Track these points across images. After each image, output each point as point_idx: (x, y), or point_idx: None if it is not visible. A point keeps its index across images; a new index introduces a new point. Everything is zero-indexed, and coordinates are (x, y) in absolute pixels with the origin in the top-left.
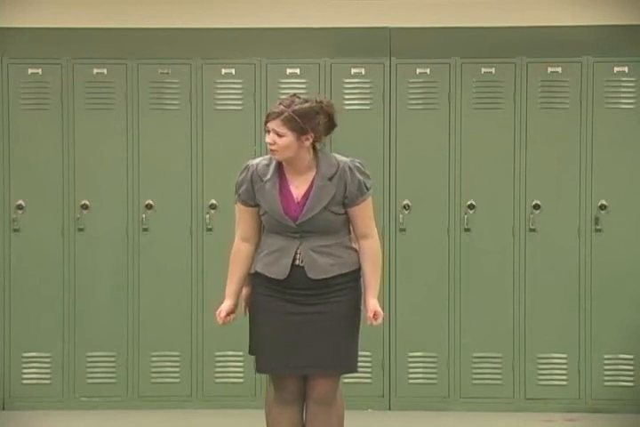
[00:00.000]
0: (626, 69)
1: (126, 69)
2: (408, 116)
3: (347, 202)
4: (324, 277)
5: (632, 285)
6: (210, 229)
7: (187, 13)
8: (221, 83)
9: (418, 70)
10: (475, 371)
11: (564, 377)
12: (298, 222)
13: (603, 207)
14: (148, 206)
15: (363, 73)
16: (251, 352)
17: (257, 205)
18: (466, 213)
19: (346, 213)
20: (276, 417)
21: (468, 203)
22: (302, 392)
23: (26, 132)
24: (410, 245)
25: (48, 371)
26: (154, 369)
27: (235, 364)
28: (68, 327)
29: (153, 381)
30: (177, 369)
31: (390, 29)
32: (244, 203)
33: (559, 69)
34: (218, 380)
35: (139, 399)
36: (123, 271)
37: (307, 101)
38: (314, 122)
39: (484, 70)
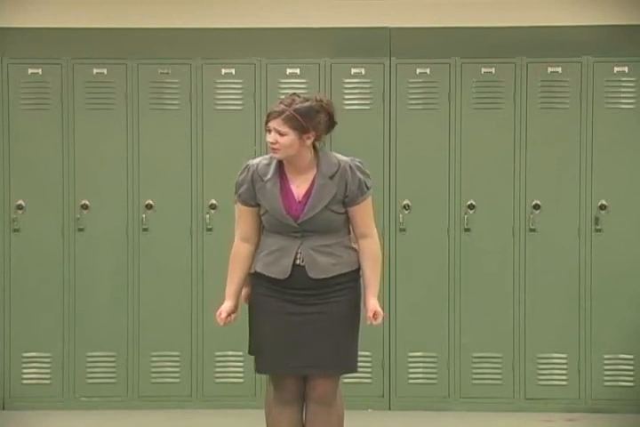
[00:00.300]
0: (626, 69)
1: (126, 69)
2: (408, 116)
3: (347, 201)
4: (325, 276)
5: (632, 285)
6: (210, 229)
7: (187, 13)
8: (221, 83)
9: (418, 70)
10: (475, 371)
11: (563, 377)
12: (299, 221)
13: (603, 207)
14: (148, 206)
15: (363, 73)
16: (250, 352)
17: (257, 205)
18: (466, 213)
19: (346, 212)
20: (275, 417)
21: (468, 203)
22: (302, 392)
23: (26, 132)
24: (410, 245)
25: (48, 371)
26: (154, 369)
27: (235, 364)
28: (68, 327)
29: (153, 381)
30: (177, 369)
31: (390, 29)
32: (245, 203)
33: (559, 69)
34: (218, 380)
35: (139, 399)
36: (123, 271)
37: (307, 100)
38: (315, 120)
39: (483, 70)
